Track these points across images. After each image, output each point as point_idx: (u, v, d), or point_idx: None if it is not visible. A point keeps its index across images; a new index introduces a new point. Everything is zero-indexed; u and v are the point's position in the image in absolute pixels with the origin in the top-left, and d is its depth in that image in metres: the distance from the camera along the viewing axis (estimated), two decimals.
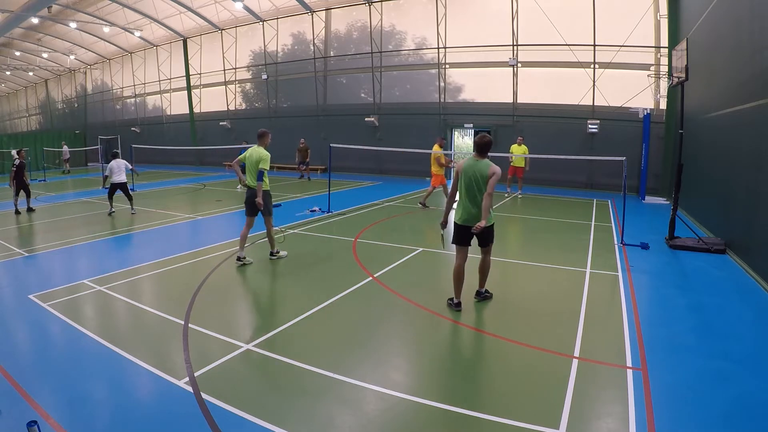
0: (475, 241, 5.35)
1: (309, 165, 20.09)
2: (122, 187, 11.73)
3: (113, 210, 11.76)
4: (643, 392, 3.69)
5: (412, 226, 10.52)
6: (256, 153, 7.15)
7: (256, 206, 7.18)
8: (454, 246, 5.44)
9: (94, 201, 14.30)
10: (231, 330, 4.94)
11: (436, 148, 12.29)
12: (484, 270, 5.60)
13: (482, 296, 5.70)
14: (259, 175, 7.05)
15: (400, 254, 7.79)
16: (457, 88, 19.95)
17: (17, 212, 12.01)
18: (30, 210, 12.34)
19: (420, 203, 12.59)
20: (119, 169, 11.72)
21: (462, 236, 5.32)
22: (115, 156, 12.12)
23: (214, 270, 6.99)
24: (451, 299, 5.50)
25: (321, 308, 5.47)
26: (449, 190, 5.48)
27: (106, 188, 12.18)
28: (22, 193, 12.19)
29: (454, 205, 5.49)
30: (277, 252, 7.58)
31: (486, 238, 5.32)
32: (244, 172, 7.31)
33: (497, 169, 5.16)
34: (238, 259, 7.26)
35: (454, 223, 5.39)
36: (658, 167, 15.41)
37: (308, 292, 6.10)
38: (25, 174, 12.41)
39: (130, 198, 12.00)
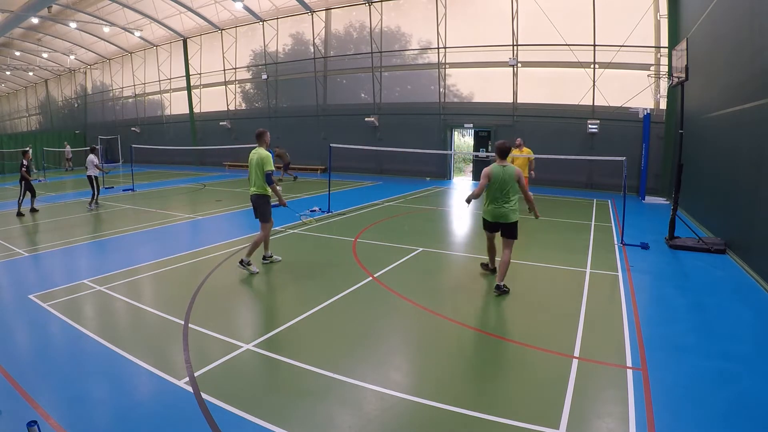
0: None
1: (288, 166, 19.60)
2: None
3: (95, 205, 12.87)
4: (643, 392, 3.69)
5: (412, 226, 10.52)
6: (257, 155, 6.79)
7: (255, 209, 6.93)
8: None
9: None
10: (231, 330, 4.94)
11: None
12: (504, 264, 5.96)
13: (501, 290, 5.88)
14: (268, 178, 6.73)
15: (400, 254, 7.79)
16: (457, 88, 19.95)
17: (20, 213, 11.98)
18: (33, 210, 12.35)
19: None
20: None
21: (491, 227, 6.25)
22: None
23: (214, 270, 6.99)
24: (485, 264, 6.85)
25: (321, 308, 5.47)
26: (478, 189, 6.09)
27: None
28: (27, 193, 12.26)
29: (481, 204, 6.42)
30: (249, 264, 6.77)
31: (512, 231, 6.06)
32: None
33: (519, 170, 6.05)
34: (241, 262, 7.00)
35: (485, 220, 6.25)
36: (658, 167, 15.41)
37: (308, 292, 6.10)
38: (30, 174, 12.61)
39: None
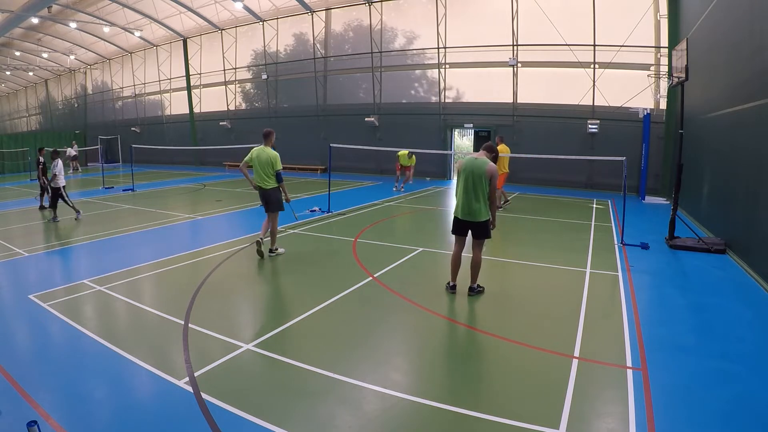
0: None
1: None
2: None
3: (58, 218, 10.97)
4: (643, 392, 3.69)
5: (412, 226, 10.51)
6: (265, 153, 7.32)
7: (270, 202, 7.45)
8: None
9: (94, 201, 14.30)
10: (231, 330, 4.94)
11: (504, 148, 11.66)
12: (475, 266, 5.80)
13: (475, 291, 5.85)
14: (279, 177, 7.38)
15: (400, 254, 7.79)
16: (457, 87, 19.95)
17: (44, 207, 12.51)
18: (42, 208, 12.61)
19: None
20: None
21: (460, 228, 5.76)
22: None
23: (214, 270, 6.98)
24: (449, 283, 5.98)
25: (321, 308, 5.47)
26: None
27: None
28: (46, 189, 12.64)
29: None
30: (276, 249, 7.72)
31: (483, 230, 5.69)
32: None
33: (493, 167, 5.58)
34: (271, 251, 7.66)
35: (455, 219, 5.80)
36: (658, 167, 15.42)
37: (308, 292, 6.10)
38: (45, 171, 12.75)
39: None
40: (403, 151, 16.02)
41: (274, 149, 7.47)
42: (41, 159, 12.95)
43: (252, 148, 7.56)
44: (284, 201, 7.61)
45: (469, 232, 5.75)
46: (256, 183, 7.47)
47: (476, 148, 19.66)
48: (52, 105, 40.68)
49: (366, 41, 21.32)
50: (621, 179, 9.62)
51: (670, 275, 6.97)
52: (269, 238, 7.71)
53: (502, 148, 11.55)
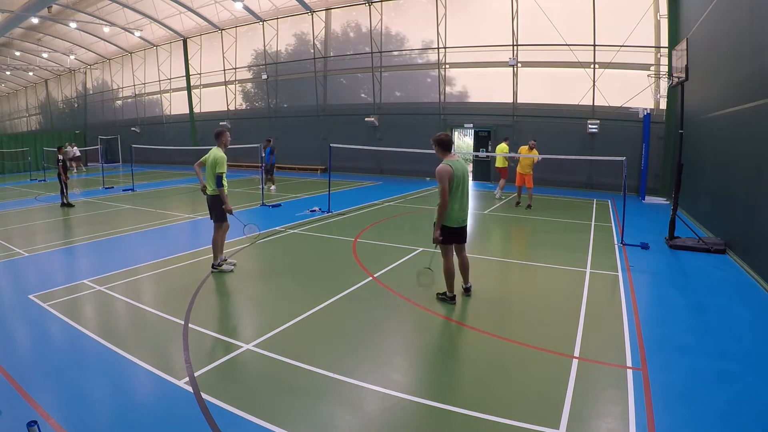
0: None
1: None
2: None
3: None
4: (643, 392, 3.69)
5: (412, 226, 10.51)
6: (212, 155, 6.71)
7: (211, 210, 6.88)
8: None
9: (94, 201, 14.30)
10: (231, 330, 4.94)
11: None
12: (466, 267, 5.78)
13: (470, 290, 5.87)
14: (218, 181, 6.64)
15: (400, 254, 7.79)
16: (457, 88, 19.95)
17: (68, 204, 12.94)
18: (66, 205, 12.91)
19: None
20: None
21: (455, 237, 5.52)
22: None
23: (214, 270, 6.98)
24: (444, 294, 5.65)
25: (321, 308, 5.47)
26: (445, 197, 5.27)
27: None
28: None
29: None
30: (221, 265, 6.85)
31: (466, 233, 5.69)
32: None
33: None
34: (213, 267, 6.91)
35: (450, 229, 5.43)
36: (658, 167, 15.42)
37: (308, 292, 6.10)
38: (62, 168, 13.11)
39: None
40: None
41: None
42: (60, 156, 13.18)
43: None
44: (226, 211, 6.78)
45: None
46: (206, 189, 6.85)
47: (476, 148, 19.66)
48: (52, 105, 40.68)
49: (366, 41, 21.32)
50: (621, 179, 9.62)
51: (670, 275, 6.97)
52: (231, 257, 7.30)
53: (536, 152, 12.34)
